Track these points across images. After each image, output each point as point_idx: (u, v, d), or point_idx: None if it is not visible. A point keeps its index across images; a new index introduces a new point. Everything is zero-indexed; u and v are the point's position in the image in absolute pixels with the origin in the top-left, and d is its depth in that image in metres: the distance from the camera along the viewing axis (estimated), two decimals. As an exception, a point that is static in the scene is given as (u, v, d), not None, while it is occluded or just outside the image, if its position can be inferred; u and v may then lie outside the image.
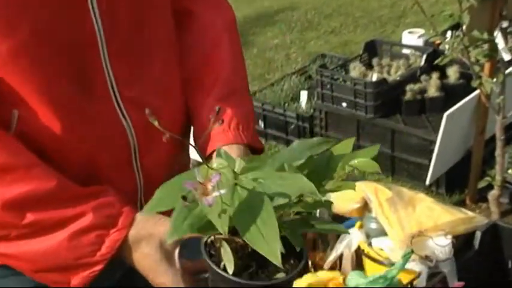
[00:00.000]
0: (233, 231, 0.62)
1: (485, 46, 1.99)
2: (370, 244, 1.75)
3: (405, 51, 2.87)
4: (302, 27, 4.40)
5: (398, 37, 3.21)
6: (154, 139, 0.79)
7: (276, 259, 0.54)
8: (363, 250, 1.75)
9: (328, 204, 0.65)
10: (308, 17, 4.51)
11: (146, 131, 0.78)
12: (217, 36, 0.85)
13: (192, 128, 0.87)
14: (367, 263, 1.75)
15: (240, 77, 0.89)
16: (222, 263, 0.62)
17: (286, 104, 2.95)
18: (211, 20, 0.86)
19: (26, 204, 0.67)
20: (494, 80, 1.95)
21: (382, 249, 1.71)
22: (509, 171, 2.30)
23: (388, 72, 2.73)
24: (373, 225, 1.75)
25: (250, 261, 0.62)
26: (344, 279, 1.75)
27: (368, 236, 1.78)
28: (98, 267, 0.69)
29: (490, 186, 2.23)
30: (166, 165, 0.81)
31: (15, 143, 0.69)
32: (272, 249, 0.55)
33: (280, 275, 0.62)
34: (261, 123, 2.90)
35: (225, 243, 0.61)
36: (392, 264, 1.63)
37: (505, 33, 2.01)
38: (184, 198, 0.55)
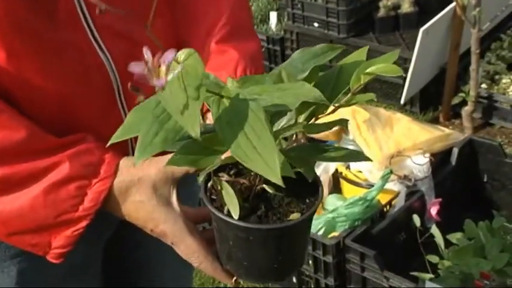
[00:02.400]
0: (236, 172, 0.55)
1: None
2: (348, 167, 1.73)
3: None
4: None
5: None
6: None
7: (275, 176, 0.44)
8: (341, 173, 1.74)
9: (345, 122, 0.56)
10: None
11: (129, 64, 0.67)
12: None
13: None
14: (345, 185, 1.75)
15: (242, 9, 0.77)
16: (226, 208, 0.53)
17: (255, 26, 2.83)
18: None
19: None
20: (471, -9, 1.89)
21: (360, 172, 1.70)
22: (483, 85, 2.29)
23: (360, -12, 2.62)
24: (351, 147, 1.73)
25: (258, 203, 0.54)
26: (322, 204, 1.76)
27: (346, 159, 1.77)
28: (82, 224, 0.61)
29: (464, 103, 2.22)
30: None
31: None
32: (270, 165, 0.44)
33: (295, 216, 0.53)
34: (230, 48, 2.80)
35: (226, 185, 0.53)
36: (371, 185, 1.62)
37: None
38: (135, 89, 0.45)
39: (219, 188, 0.54)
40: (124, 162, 0.62)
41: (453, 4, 2.08)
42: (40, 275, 0.72)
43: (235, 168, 0.56)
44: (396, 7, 2.51)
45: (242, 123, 0.44)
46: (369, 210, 1.55)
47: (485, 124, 2.34)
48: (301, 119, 0.54)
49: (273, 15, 2.85)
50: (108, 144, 0.50)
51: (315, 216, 1.62)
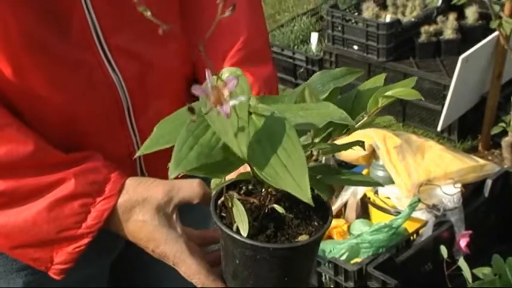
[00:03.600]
0: (246, 191, 0.56)
1: (507, -16, 1.87)
2: (376, 192, 1.72)
3: (422, -10, 2.72)
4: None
5: (416, -25, 3.04)
6: (151, 94, 0.70)
7: (306, 196, 0.44)
8: (369, 198, 1.72)
9: (362, 143, 0.56)
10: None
11: (141, 84, 0.68)
12: None
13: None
14: (373, 211, 1.73)
15: (259, 33, 0.77)
16: (235, 225, 0.53)
17: (296, 47, 2.85)
18: None
19: None
20: (515, 20, 1.85)
21: (388, 198, 1.68)
22: (525, 117, 2.22)
23: (403, 13, 2.60)
24: (380, 173, 1.72)
25: (267, 223, 0.54)
26: (348, 227, 1.74)
27: (375, 184, 1.75)
28: (84, 241, 0.61)
29: (503, 133, 2.16)
30: None
31: None
32: (300, 184, 0.44)
33: (303, 238, 0.53)
34: (270, 66, 2.83)
35: (237, 202, 0.53)
36: (398, 213, 1.60)
37: (528, -31, 1.88)
38: (191, 109, 0.44)
39: (230, 205, 0.54)
40: (130, 181, 0.63)
41: (496, 33, 2.05)
42: None
43: (245, 187, 0.57)
44: (438, 33, 2.48)
45: (273, 142, 0.45)
46: (394, 238, 1.53)
47: (525, 156, 2.27)
48: (317, 140, 0.55)
49: (314, 36, 2.86)
50: (136, 156, 0.51)
51: (339, 241, 1.61)
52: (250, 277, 0.55)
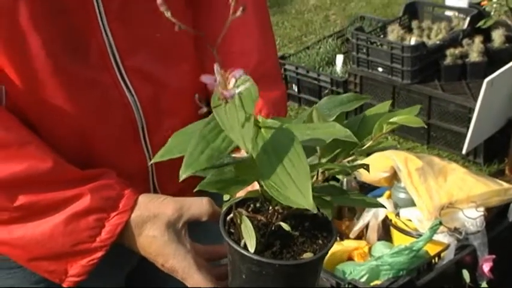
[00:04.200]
0: (254, 209, 0.58)
1: (533, 8, 1.87)
2: (398, 214, 1.71)
3: (448, 13, 2.72)
4: (343, -13, 4.26)
5: (443, -1, 3.06)
6: (164, 113, 0.72)
7: (309, 204, 0.46)
8: (391, 220, 1.72)
9: (367, 167, 0.58)
10: (349, -23, 4.35)
11: (155, 104, 0.71)
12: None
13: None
14: (394, 233, 1.72)
15: (269, 56, 0.79)
16: (243, 241, 0.55)
17: (321, 68, 2.88)
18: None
19: (17, 185, 0.62)
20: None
21: (410, 220, 1.68)
22: (553, 141, 2.19)
23: (428, 36, 2.61)
24: (402, 195, 1.72)
25: (273, 240, 0.56)
26: (369, 249, 1.74)
27: (396, 206, 1.74)
28: (98, 254, 0.64)
29: (531, 157, 2.14)
30: None
31: (7, 117, 0.64)
32: (303, 192, 0.46)
33: (307, 255, 0.55)
34: (295, 87, 2.85)
35: (246, 219, 0.55)
36: (420, 235, 1.59)
37: (554, -6, 1.87)
38: (199, 98, 0.48)
39: (239, 221, 0.57)
40: (142, 198, 0.66)
41: (522, 56, 2.04)
42: None
43: (253, 205, 0.59)
44: (464, 56, 2.48)
45: (279, 153, 0.48)
46: (415, 261, 1.52)
47: (554, 181, 2.23)
48: (324, 160, 0.57)
49: (339, 58, 2.89)
50: (151, 162, 0.54)
51: (359, 262, 1.61)
52: None
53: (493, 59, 2.42)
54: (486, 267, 1.56)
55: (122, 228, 0.64)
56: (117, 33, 0.66)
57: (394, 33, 2.58)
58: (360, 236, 1.76)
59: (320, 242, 0.57)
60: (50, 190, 0.63)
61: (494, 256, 1.55)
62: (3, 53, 0.62)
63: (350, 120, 0.58)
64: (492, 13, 1.90)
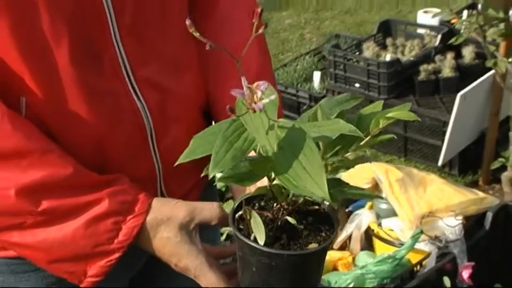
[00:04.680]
0: (259, 207, 0.62)
1: (501, 25, 1.96)
2: (380, 225, 1.76)
3: (420, 31, 2.82)
4: (317, 7, 4.36)
5: (415, 17, 3.16)
6: (170, 120, 0.76)
7: (324, 193, 0.51)
8: (373, 230, 1.76)
9: (369, 159, 0.63)
10: (323, -3, 4.47)
11: (162, 112, 0.75)
12: (243, 27, 0.79)
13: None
14: (377, 243, 1.77)
15: (266, 66, 0.84)
16: (252, 235, 0.59)
17: (299, 85, 2.94)
18: (233, 6, 0.80)
19: (41, 190, 0.65)
20: (510, 59, 1.93)
21: (392, 230, 1.72)
22: (524, 152, 2.28)
23: (402, 53, 2.70)
24: (383, 206, 1.76)
25: (280, 233, 0.61)
26: (353, 259, 1.77)
27: (378, 217, 1.79)
28: (115, 255, 0.67)
29: (503, 168, 2.22)
30: (186, 148, 0.76)
31: (30, 127, 0.67)
32: (318, 182, 0.51)
33: (313, 246, 0.60)
34: (274, 104, 2.90)
35: (255, 214, 0.59)
36: (402, 244, 1.64)
37: (521, 12, 1.97)
38: (231, 109, 0.53)
39: (248, 217, 0.60)
40: (156, 202, 0.69)
41: (492, 71, 2.13)
42: None
43: (258, 204, 0.63)
44: (437, 71, 2.57)
45: (294, 149, 0.53)
46: (398, 269, 1.56)
47: (525, 191, 2.31)
48: (326, 156, 0.60)
49: (317, 75, 2.95)
50: (176, 163, 0.57)
51: (344, 272, 1.64)
52: (265, 283, 0.61)
53: (464, 75, 2.52)
54: (466, 274, 1.60)
55: (138, 231, 0.67)
56: (128, 47, 0.70)
57: (369, 50, 2.66)
58: (344, 247, 1.80)
59: (323, 234, 0.62)
60: (71, 195, 0.66)
61: (473, 263, 1.60)
62: (25, 64, 0.65)
63: (347, 118, 0.62)
64: (462, 30, 1.98)
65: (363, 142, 0.59)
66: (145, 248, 0.69)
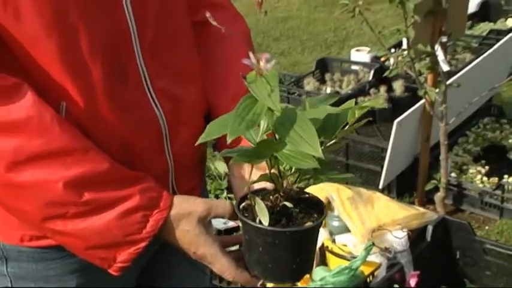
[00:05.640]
0: (261, 198, 0.73)
1: (428, 59, 2.19)
2: (334, 241, 1.87)
3: (354, 67, 3.07)
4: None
5: (347, 57, 3.41)
6: (181, 124, 0.87)
7: (318, 152, 0.63)
8: (327, 247, 1.87)
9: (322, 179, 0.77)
10: (258, 40, 4.68)
11: (174, 117, 0.85)
12: (237, 47, 0.91)
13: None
14: (331, 259, 1.87)
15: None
16: (257, 219, 0.70)
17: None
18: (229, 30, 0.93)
19: (83, 183, 0.74)
20: (437, 90, 2.15)
21: (345, 245, 1.84)
22: (452, 174, 2.50)
23: (340, 87, 2.91)
24: (336, 223, 1.89)
25: (279, 217, 0.72)
26: (310, 275, 1.87)
27: (331, 234, 1.91)
28: (142, 244, 0.76)
29: (436, 189, 2.42)
30: (193, 149, 0.84)
31: (73, 128, 0.76)
32: (313, 146, 0.63)
33: (309, 224, 0.72)
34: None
35: (258, 200, 0.71)
36: (354, 257, 1.76)
37: (444, 47, 2.21)
38: (244, 77, 0.65)
39: (253, 203, 0.71)
40: (177, 198, 0.79)
41: (423, 101, 2.35)
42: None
43: (261, 196, 0.74)
44: (372, 103, 2.79)
45: (292, 123, 0.65)
46: (354, 280, 1.67)
47: (456, 210, 2.53)
48: None
49: (260, 109, 3.10)
50: (197, 143, 0.69)
51: (303, 286, 1.72)
52: (270, 261, 0.72)
53: (396, 106, 2.76)
54: (413, 282, 1.74)
55: (163, 223, 0.77)
56: (148, 62, 0.82)
57: (310, 84, 2.85)
58: (300, 265, 1.89)
59: (315, 215, 0.74)
60: (108, 188, 0.76)
61: (419, 272, 1.75)
62: (67, 76, 0.75)
63: (327, 116, 0.75)
64: (395, 65, 2.19)
65: (344, 130, 0.72)
66: (168, 238, 0.78)
